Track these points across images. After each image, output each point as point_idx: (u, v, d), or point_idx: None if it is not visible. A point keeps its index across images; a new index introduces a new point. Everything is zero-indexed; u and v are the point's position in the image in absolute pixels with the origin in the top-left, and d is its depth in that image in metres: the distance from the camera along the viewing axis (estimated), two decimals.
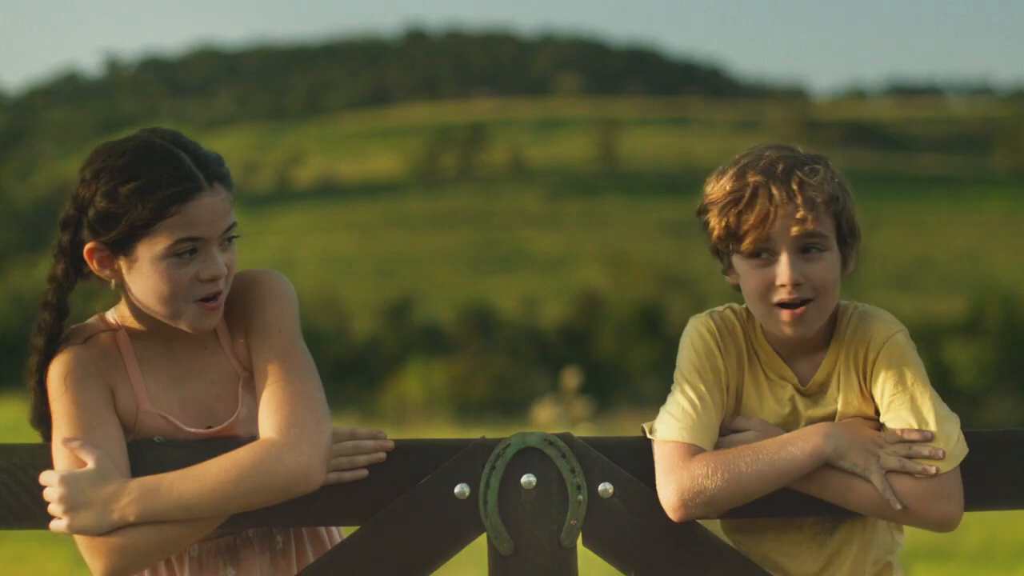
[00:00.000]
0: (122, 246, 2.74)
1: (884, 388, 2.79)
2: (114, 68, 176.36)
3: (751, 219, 2.74)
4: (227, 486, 2.66)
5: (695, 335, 2.87)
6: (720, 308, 2.94)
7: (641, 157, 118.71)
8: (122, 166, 2.71)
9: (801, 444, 2.75)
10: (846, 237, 2.80)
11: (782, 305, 2.77)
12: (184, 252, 2.72)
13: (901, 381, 2.79)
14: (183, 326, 2.78)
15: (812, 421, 2.84)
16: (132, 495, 2.67)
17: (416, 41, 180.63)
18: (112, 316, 2.89)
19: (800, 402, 2.86)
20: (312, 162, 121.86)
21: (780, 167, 2.76)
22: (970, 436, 2.81)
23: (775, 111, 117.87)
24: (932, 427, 2.75)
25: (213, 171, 2.74)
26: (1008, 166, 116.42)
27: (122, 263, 2.76)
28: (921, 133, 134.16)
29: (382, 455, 2.81)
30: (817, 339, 2.85)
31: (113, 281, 2.79)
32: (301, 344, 2.81)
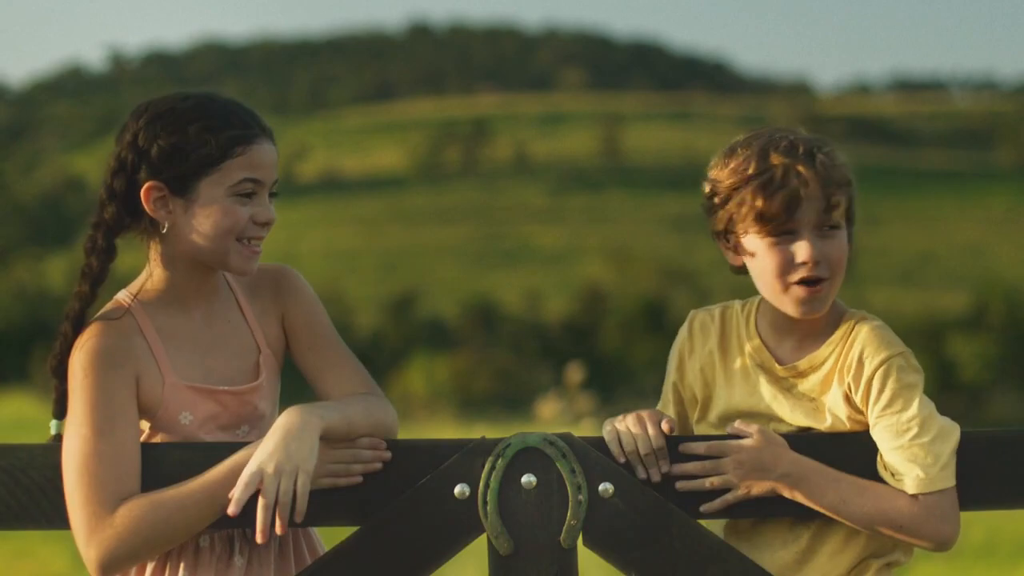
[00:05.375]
0: (183, 185, 2.81)
1: (873, 408, 2.80)
2: (118, 62, 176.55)
3: (782, 200, 2.76)
4: (368, 412, 2.87)
5: (677, 336, 2.99)
6: (717, 305, 2.98)
7: (645, 152, 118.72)
8: (189, 108, 2.83)
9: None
10: (852, 218, 2.84)
11: (801, 282, 2.79)
12: (244, 193, 2.83)
13: (890, 404, 2.78)
14: (228, 267, 2.86)
15: (771, 415, 2.86)
16: (302, 407, 2.79)
17: (420, 36, 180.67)
18: (126, 297, 2.90)
19: (773, 389, 2.86)
20: (316, 156, 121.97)
21: (801, 148, 2.79)
22: (971, 436, 2.81)
23: (779, 106, 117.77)
24: (906, 454, 2.76)
25: (265, 125, 2.90)
26: (1012, 161, 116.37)
27: (178, 203, 2.83)
28: (925, 128, 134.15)
29: (378, 465, 2.82)
30: (815, 329, 2.86)
31: (166, 223, 2.83)
32: None
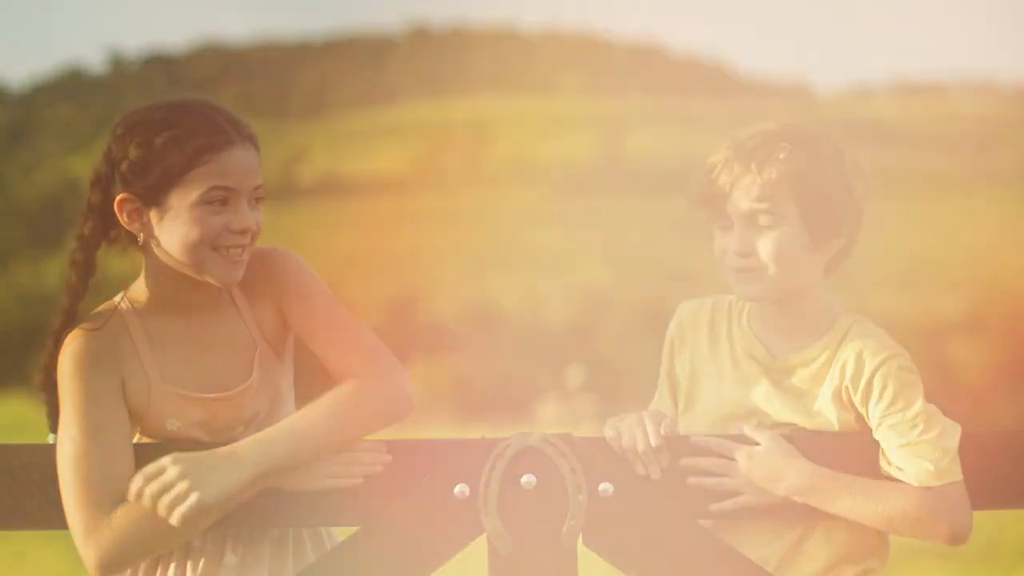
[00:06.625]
0: (154, 196, 2.81)
1: (875, 409, 2.83)
2: (118, 65, 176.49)
3: (715, 190, 2.84)
4: (336, 419, 2.79)
5: (669, 327, 3.04)
6: (709, 297, 3.03)
7: (646, 155, 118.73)
8: (158, 119, 2.83)
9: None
10: (817, 219, 2.81)
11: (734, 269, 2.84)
12: (216, 201, 2.81)
13: (894, 403, 2.81)
14: (209, 277, 2.84)
15: (757, 407, 2.87)
16: (249, 445, 2.73)
17: (420, 38, 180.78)
18: (120, 299, 2.91)
19: (762, 381, 2.88)
20: (316, 159, 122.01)
21: (752, 142, 2.83)
22: (972, 437, 2.83)
23: (780, 109, 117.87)
24: (914, 450, 2.78)
25: (243, 129, 2.86)
26: (1013, 164, 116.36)
27: (152, 215, 2.83)
28: (925, 130, 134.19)
29: (378, 468, 2.82)
30: (808, 326, 2.88)
31: (142, 235, 2.84)
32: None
